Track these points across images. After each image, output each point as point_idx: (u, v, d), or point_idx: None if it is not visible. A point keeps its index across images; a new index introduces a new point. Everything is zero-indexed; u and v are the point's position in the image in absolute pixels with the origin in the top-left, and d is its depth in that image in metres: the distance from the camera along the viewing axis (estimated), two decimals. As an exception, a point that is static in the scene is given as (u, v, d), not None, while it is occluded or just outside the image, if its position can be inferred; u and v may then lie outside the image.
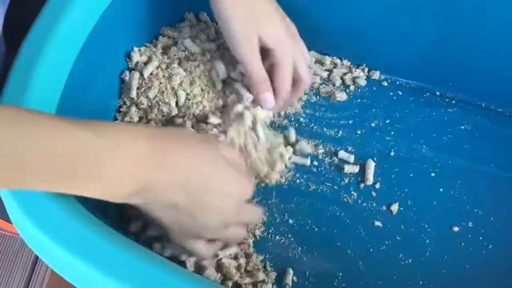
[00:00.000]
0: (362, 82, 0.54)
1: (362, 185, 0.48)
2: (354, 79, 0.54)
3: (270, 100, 0.43)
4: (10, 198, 0.29)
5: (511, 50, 0.47)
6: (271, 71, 0.43)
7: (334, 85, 0.54)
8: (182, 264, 0.39)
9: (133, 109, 0.45)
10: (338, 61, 0.55)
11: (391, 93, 0.54)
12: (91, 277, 0.27)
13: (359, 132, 0.51)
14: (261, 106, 0.44)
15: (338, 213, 0.46)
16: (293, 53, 0.43)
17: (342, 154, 0.49)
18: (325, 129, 0.51)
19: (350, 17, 0.51)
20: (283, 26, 0.42)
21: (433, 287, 0.43)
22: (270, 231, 0.45)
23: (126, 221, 0.42)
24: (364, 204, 0.47)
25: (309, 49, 0.52)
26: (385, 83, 0.54)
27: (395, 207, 0.46)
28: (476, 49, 0.49)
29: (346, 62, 0.55)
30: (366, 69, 0.55)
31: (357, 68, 0.55)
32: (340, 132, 0.51)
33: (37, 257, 0.52)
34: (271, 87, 0.43)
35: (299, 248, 0.44)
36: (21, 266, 0.52)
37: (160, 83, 0.45)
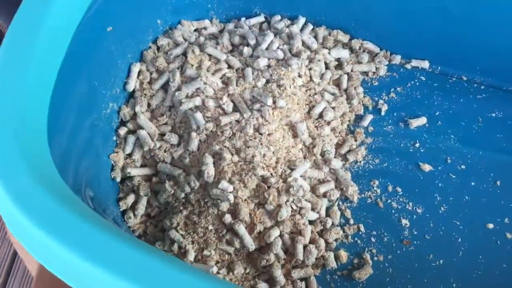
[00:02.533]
0: (382, 67, 0.50)
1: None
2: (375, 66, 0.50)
3: None
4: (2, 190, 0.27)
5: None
6: None
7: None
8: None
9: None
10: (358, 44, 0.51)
11: (414, 79, 0.50)
12: (83, 270, 0.25)
13: (380, 121, 0.47)
14: None
15: (360, 213, 0.43)
16: None
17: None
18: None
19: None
20: None
21: (468, 290, 0.40)
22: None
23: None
24: (389, 201, 0.43)
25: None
26: (408, 67, 0.51)
27: (423, 204, 0.43)
28: (505, 29, 0.45)
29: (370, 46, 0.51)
30: (388, 53, 0.51)
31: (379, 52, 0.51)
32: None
33: (6, 279, 0.49)
34: None
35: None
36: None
37: None
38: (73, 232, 0.26)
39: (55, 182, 0.30)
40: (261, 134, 0.42)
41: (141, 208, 0.42)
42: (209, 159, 0.40)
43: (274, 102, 0.43)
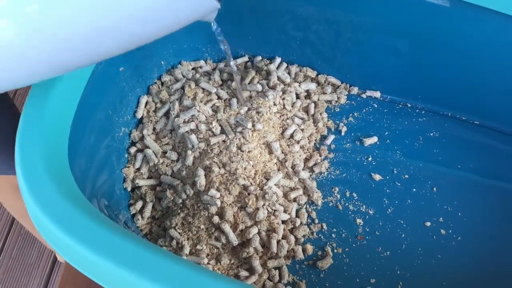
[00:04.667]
0: (343, 97, 0.57)
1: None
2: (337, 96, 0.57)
3: None
4: (31, 200, 0.32)
5: (469, 68, 0.51)
6: None
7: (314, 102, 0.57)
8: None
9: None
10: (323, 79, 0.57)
11: (368, 106, 0.56)
12: (100, 267, 0.29)
13: (340, 140, 0.54)
14: None
15: (323, 214, 0.49)
16: None
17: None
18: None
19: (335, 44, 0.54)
20: None
21: (409, 276, 0.45)
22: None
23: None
24: (347, 204, 0.50)
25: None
26: (363, 96, 0.57)
27: (374, 206, 0.49)
28: (441, 68, 0.52)
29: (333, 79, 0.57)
30: (348, 85, 0.57)
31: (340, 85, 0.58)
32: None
33: (51, 269, 0.54)
34: None
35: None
36: (37, 277, 0.54)
37: None
38: (85, 231, 0.29)
39: (74, 194, 0.33)
40: (242, 151, 0.48)
41: (147, 212, 0.48)
42: (201, 172, 0.47)
43: (253, 126, 0.49)
